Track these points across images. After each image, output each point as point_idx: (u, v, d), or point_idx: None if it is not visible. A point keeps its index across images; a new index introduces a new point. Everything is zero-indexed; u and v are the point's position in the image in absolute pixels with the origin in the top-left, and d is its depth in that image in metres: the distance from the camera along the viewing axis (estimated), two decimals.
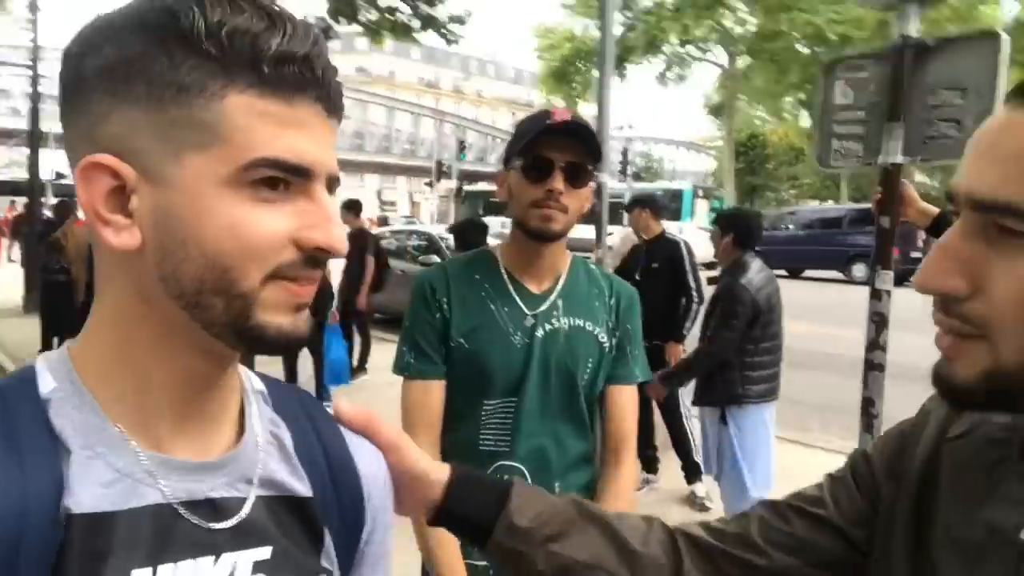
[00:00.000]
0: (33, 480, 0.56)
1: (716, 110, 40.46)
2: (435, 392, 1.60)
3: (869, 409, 2.93)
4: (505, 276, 1.62)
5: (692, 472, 4.71)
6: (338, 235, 0.61)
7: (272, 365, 6.53)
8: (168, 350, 0.62)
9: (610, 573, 0.86)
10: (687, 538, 0.90)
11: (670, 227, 5.33)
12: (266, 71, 0.57)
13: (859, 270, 17.14)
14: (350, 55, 61.32)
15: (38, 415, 0.59)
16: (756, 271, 3.74)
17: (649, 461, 4.92)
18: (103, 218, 0.58)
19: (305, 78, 0.59)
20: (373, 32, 10.02)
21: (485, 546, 0.87)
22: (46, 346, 7.40)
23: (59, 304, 7.29)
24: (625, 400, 1.68)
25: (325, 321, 6.63)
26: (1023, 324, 0.60)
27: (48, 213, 11.42)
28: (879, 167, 2.85)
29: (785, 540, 0.86)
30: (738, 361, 3.68)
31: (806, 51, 27.23)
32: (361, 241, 7.34)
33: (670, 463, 4.89)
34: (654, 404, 4.71)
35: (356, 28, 10.20)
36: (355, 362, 7.53)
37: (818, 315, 10.75)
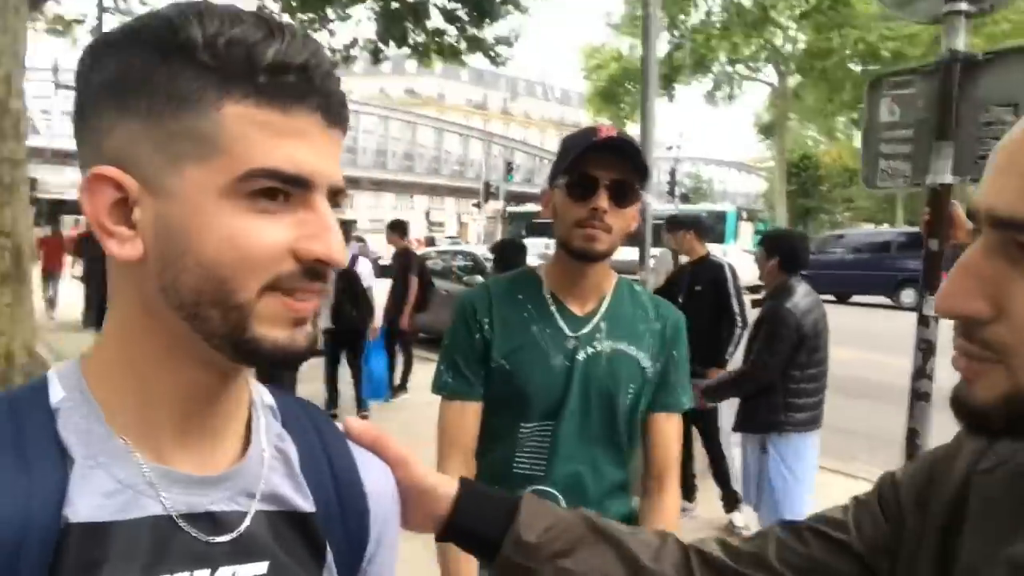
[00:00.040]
0: (38, 487, 0.57)
1: (766, 130, 40.01)
2: (471, 413, 1.58)
3: (914, 440, 2.81)
4: (548, 297, 1.59)
5: (731, 501, 4.61)
6: (337, 246, 0.60)
7: (313, 383, 6.63)
8: (171, 362, 0.62)
9: None
10: (701, 556, 0.89)
11: (714, 250, 5.27)
12: (262, 81, 0.57)
13: (908, 295, 16.70)
14: (400, 77, 62.52)
15: (47, 424, 0.60)
16: (802, 295, 3.65)
17: (688, 488, 4.83)
18: (107, 229, 0.59)
19: (303, 87, 0.58)
20: (421, 54, 10.19)
21: (493, 561, 0.87)
22: None
23: None
24: (670, 428, 1.64)
25: (365, 336, 6.72)
26: None
27: None
28: (928, 188, 2.76)
29: (801, 563, 0.83)
30: (782, 387, 3.59)
31: (858, 69, 26.80)
32: (405, 261, 7.43)
33: (708, 491, 4.79)
34: (694, 431, 4.63)
35: (405, 51, 10.39)
36: (397, 381, 7.60)
37: (865, 341, 10.48)
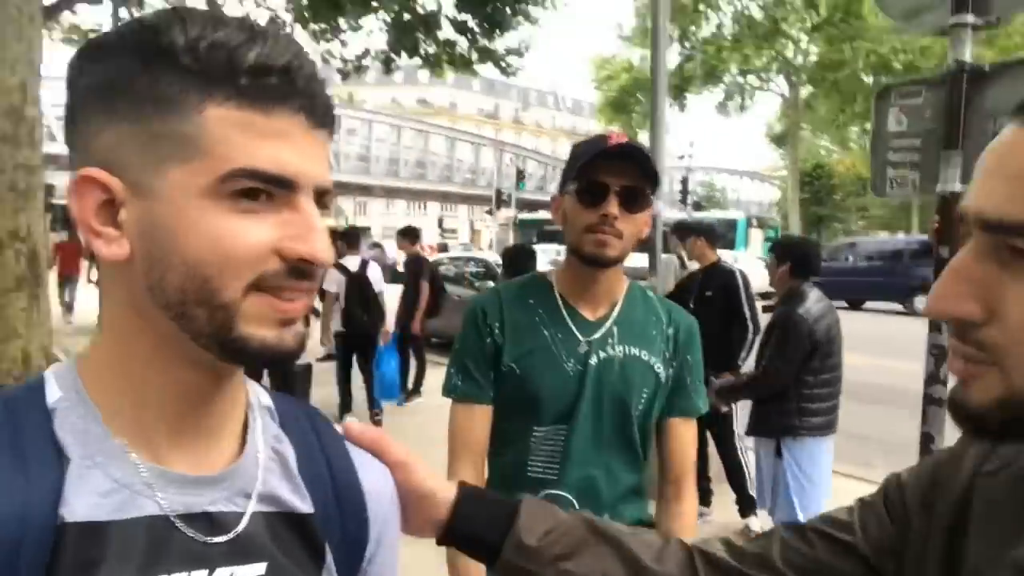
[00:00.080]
0: (35, 487, 0.57)
1: (779, 139, 39.90)
2: (480, 416, 1.58)
3: (928, 444, 2.80)
4: (560, 301, 1.59)
5: (747, 505, 4.58)
6: (321, 245, 0.60)
7: (326, 388, 6.66)
8: (161, 361, 0.62)
9: None
10: (704, 556, 0.88)
11: (725, 257, 5.26)
12: (243, 83, 0.57)
13: (920, 302, 16.61)
14: (413, 87, 62.80)
15: (43, 424, 0.60)
16: (814, 301, 3.64)
17: (703, 493, 4.80)
18: (94, 230, 0.60)
19: (285, 89, 0.59)
20: (433, 65, 10.24)
21: (494, 565, 0.87)
22: None
23: None
24: (687, 433, 1.63)
25: (376, 339, 6.74)
26: None
27: None
28: (938, 196, 2.76)
29: (806, 564, 0.83)
30: (795, 393, 3.59)
31: (870, 80, 26.71)
32: (416, 267, 7.46)
33: (724, 496, 4.77)
34: (708, 435, 4.61)
35: (417, 61, 10.44)
36: (410, 385, 7.62)
37: (879, 347, 10.42)
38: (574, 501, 1.51)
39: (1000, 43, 20.43)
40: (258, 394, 0.74)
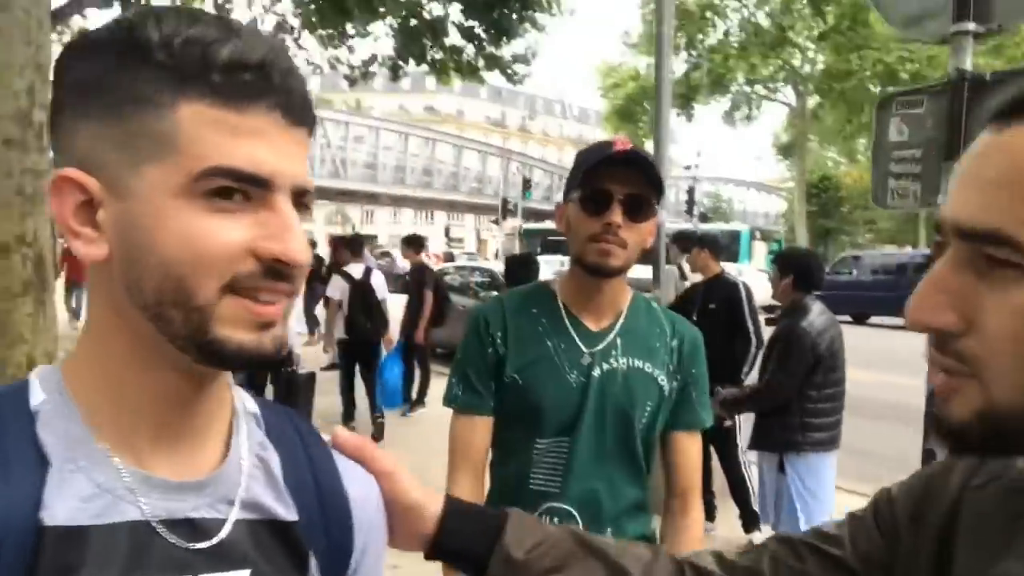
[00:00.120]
0: (16, 490, 0.57)
1: (786, 150, 39.86)
2: (480, 427, 1.57)
3: (931, 462, 2.78)
4: (563, 312, 1.56)
5: (751, 520, 4.55)
6: (296, 245, 0.59)
7: (329, 396, 6.66)
8: (140, 362, 0.62)
9: None
10: (695, 570, 0.88)
11: (728, 269, 5.25)
12: (217, 79, 0.57)
13: None
14: (420, 94, 63.02)
15: (26, 427, 0.60)
16: (817, 314, 3.63)
17: (707, 507, 4.76)
18: (74, 231, 0.59)
19: (260, 85, 0.58)
20: (439, 71, 10.25)
21: None
22: None
23: None
24: (692, 447, 1.62)
25: (378, 348, 6.75)
26: (1017, 361, 0.57)
27: None
28: (939, 208, 2.75)
29: None
30: (799, 407, 3.57)
31: (878, 90, 26.69)
32: (420, 276, 7.46)
33: (728, 510, 4.75)
34: (712, 449, 4.59)
35: (424, 68, 10.46)
36: (414, 395, 7.60)
37: (882, 362, 10.35)
38: (576, 514, 1.49)
39: (1009, 53, 20.40)
40: (244, 400, 0.73)
